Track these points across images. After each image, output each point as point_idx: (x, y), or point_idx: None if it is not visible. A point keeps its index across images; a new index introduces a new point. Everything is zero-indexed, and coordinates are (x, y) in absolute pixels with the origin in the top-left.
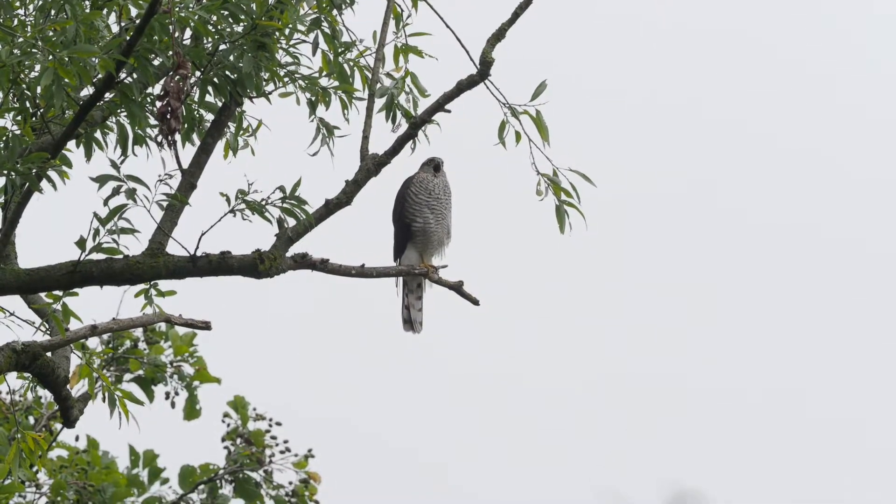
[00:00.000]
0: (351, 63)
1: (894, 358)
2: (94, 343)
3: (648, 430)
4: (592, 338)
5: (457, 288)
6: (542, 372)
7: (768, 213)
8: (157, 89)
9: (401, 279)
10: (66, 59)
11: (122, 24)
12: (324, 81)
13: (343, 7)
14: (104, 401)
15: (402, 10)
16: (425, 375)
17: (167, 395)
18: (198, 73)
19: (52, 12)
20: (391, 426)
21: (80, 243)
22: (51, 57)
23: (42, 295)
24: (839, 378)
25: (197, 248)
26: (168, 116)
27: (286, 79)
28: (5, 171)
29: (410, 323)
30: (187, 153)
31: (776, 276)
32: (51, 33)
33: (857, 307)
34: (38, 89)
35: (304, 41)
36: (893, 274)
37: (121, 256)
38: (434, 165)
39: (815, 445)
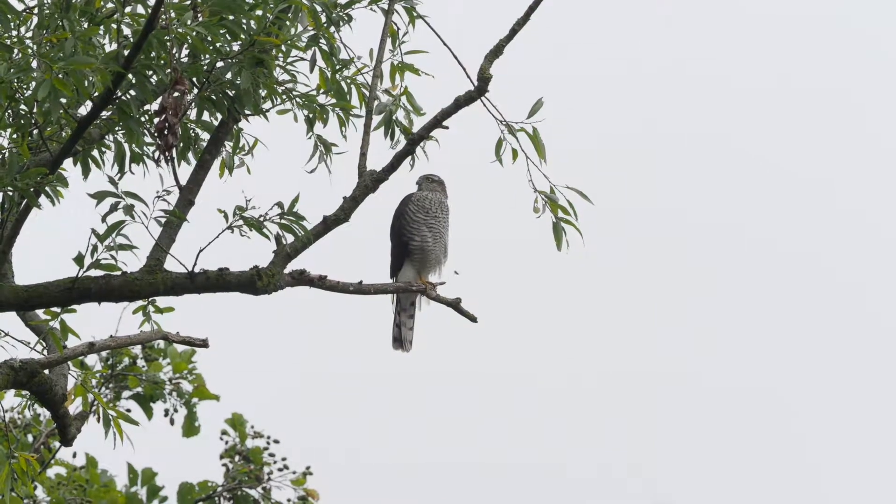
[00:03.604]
0: (348, 80)
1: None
2: (92, 361)
3: (648, 439)
4: (592, 350)
5: (455, 305)
6: (541, 382)
7: (765, 229)
8: (154, 106)
9: (395, 296)
10: (64, 73)
11: (119, 40)
12: (321, 98)
13: (341, 24)
14: (98, 420)
15: (399, 28)
16: (420, 392)
17: (166, 413)
18: (195, 91)
19: (50, 29)
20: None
21: (79, 260)
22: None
23: (39, 312)
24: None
25: (195, 264)
26: (165, 132)
27: (284, 96)
28: (3, 188)
29: (400, 341)
30: (185, 170)
31: (775, 294)
32: (48, 47)
33: (855, 320)
34: (35, 105)
35: (302, 58)
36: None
37: (119, 273)
38: (420, 179)
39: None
